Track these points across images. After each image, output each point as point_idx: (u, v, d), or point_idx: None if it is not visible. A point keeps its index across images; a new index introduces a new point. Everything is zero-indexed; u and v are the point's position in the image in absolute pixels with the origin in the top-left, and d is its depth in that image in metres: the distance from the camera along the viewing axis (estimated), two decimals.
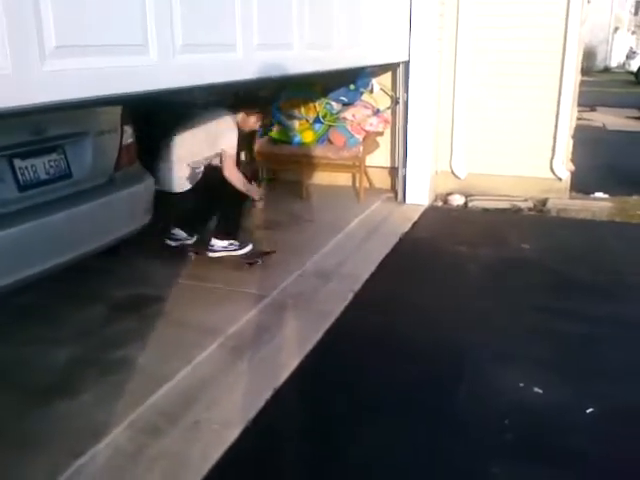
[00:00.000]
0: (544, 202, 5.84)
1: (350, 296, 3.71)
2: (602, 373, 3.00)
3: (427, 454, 2.42)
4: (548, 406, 2.73)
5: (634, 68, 22.04)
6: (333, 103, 5.98)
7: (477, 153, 6.12)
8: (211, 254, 4.28)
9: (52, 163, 3.00)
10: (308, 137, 5.85)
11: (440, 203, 6.00)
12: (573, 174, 6.12)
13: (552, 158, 5.98)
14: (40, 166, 2.92)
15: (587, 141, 8.02)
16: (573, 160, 6.14)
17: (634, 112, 12.89)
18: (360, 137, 5.83)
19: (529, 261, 4.44)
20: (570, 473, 2.33)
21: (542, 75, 5.81)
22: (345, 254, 4.41)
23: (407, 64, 5.76)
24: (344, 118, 5.90)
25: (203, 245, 4.37)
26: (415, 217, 5.43)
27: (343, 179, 6.15)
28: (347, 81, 5.97)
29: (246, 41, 3.31)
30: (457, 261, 4.43)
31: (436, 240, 4.90)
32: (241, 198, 4.23)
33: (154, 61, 2.66)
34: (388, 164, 6.21)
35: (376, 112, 6.00)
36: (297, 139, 5.86)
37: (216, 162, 4.20)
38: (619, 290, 3.94)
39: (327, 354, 3.10)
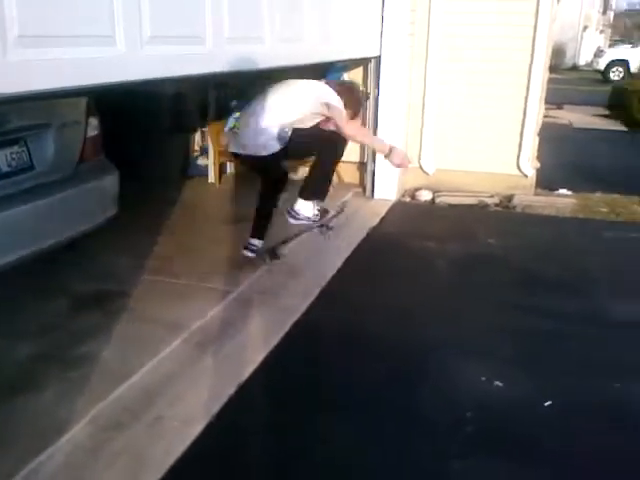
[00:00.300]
0: (510, 198, 5.93)
1: (316, 292, 3.73)
2: (563, 368, 3.07)
3: (392, 449, 2.45)
4: (508, 399, 2.79)
5: (602, 66, 22.43)
6: None
7: (446, 149, 6.19)
8: (292, 220, 4.07)
9: (14, 155, 2.94)
10: None
11: (408, 198, 6.05)
12: (539, 171, 6.23)
13: (518, 155, 6.07)
14: (1, 158, 2.87)
15: (553, 139, 8.14)
16: (539, 157, 6.25)
17: (601, 110, 13.13)
18: None
19: (495, 257, 4.51)
20: (527, 466, 2.38)
21: (511, 73, 5.89)
22: (312, 249, 4.43)
23: (378, 59, 5.78)
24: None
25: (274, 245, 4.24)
26: (383, 212, 5.46)
27: None
28: (318, 76, 5.95)
29: (216, 34, 3.29)
30: (424, 256, 4.48)
31: (403, 235, 4.94)
32: (334, 156, 3.95)
33: (122, 52, 2.62)
34: (357, 159, 6.23)
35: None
36: None
37: (328, 126, 3.91)
38: (583, 286, 4.03)
39: (292, 350, 3.11)
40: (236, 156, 4.12)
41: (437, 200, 5.94)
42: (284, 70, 5.14)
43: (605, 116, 12.60)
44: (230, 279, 3.84)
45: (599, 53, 24.04)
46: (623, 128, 11.09)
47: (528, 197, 5.99)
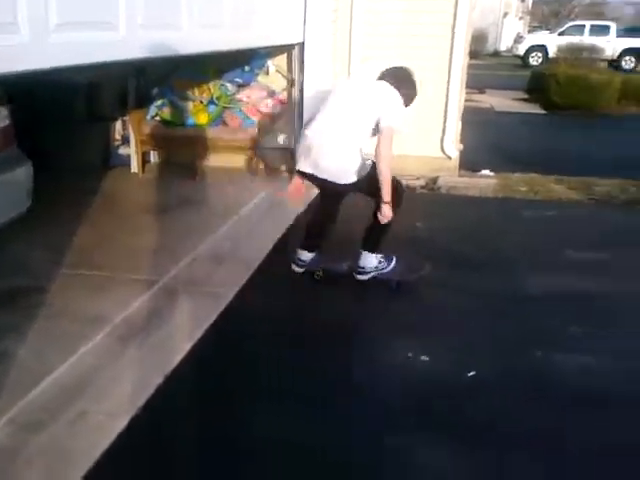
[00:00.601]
0: (435, 180, 6.07)
1: (244, 279, 3.70)
2: (487, 341, 3.19)
3: (320, 429, 2.48)
4: (433, 373, 2.88)
5: (521, 52, 23.16)
6: (228, 84, 5.90)
7: None
8: (360, 277, 3.76)
9: None
10: (202, 119, 5.75)
11: None
12: (462, 153, 6.39)
13: (442, 138, 6.21)
14: None
15: (476, 122, 8.37)
16: (462, 140, 6.41)
17: (521, 94, 13.57)
18: (255, 119, 5.79)
19: (421, 239, 4.60)
20: (453, 436, 2.45)
21: (432, 58, 6.00)
22: (240, 236, 4.40)
23: (302, 46, 5.77)
24: (239, 100, 5.84)
25: (328, 259, 3.88)
26: (311, 197, 5.47)
27: (239, 161, 6.10)
28: (242, 62, 5.90)
29: (130, 20, 3.20)
30: (351, 239, 4.51)
31: None
32: (398, 205, 3.56)
33: (26, 40, 2.52)
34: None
35: (271, 94, 5.98)
36: (190, 121, 5.74)
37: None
38: (504, 263, 4.17)
39: (220, 338, 3.08)
40: (304, 175, 3.56)
41: None
42: (206, 57, 5.09)
43: (525, 100, 13.03)
44: (155, 269, 3.75)
45: (519, 39, 24.81)
46: (542, 111, 11.51)
47: (452, 179, 6.15)
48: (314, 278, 3.81)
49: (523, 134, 9.24)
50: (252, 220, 4.79)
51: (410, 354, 3.02)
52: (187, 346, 2.95)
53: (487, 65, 20.11)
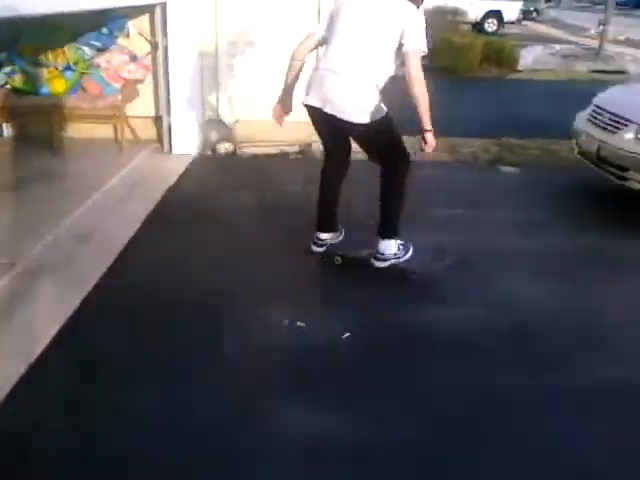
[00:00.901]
0: (310, 145, 6.03)
1: (111, 259, 3.51)
2: (360, 302, 3.25)
3: (199, 402, 2.43)
4: (309, 337, 2.91)
5: None
6: (85, 48, 5.47)
7: (245, 100, 6.06)
8: (379, 264, 3.51)
9: None
10: (58, 86, 5.31)
11: (209, 152, 5.90)
12: None
13: None
14: None
15: None
16: None
17: None
18: (118, 85, 5.45)
19: (297, 204, 4.57)
20: (327, 396, 2.49)
21: (300, 22, 5.89)
22: (105, 213, 4.15)
23: (164, 6, 5.46)
24: (98, 65, 5.45)
25: (348, 244, 3.69)
26: (183, 168, 5.28)
27: (103, 131, 5.72)
28: (98, 24, 5.49)
29: None
30: (227, 209, 4.41)
31: (205, 190, 4.82)
32: (407, 171, 3.31)
33: None
34: (152, 113, 5.91)
35: (134, 58, 5.64)
36: (45, 89, 5.29)
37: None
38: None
39: (85, 322, 2.91)
40: (311, 109, 3.23)
41: (239, 152, 5.87)
42: (55, 18, 4.67)
43: None
44: (13, 251, 3.45)
45: None
46: None
47: None
48: (334, 262, 3.61)
49: (394, 97, 9.41)
50: (117, 195, 4.51)
51: (286, 321, 3.01)
52: (50, 333, 2.76)
53: None
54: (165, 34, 5.51)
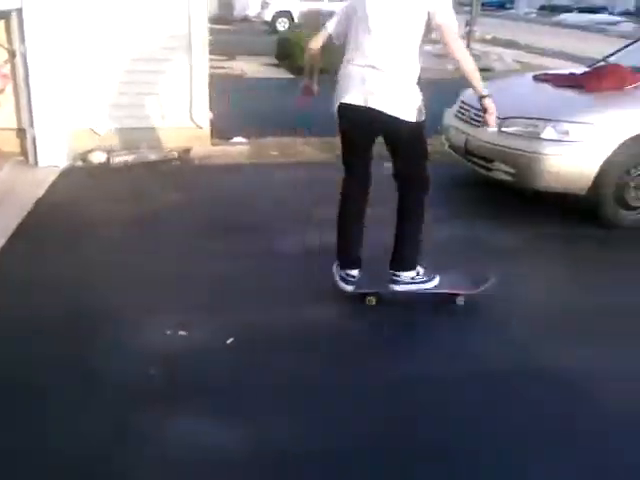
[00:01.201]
0: (188, 151, 5.92)
1: None
2: (247, 303, 3.22)
3: (71, 418, 2.29)
4: (193, 346, 2.84)
5: (268, 18, 23.62)
6: None
7: (117, 107, 5.84)
8: (397, 287, 3.18)
9: None
10: None
11: (80, 162, 5.62)
12: (214, 122, 6.31)
13: (191, 107, 6.05)
14: None
15: (227, 89, 8.34)
16: (213, 108, 6.32)
17: (271, 60, 13.84)
18: None
19: (178, 210, 4.48)
20: (211, 406, 2.43)
21: (170, 24, 5.76)
22: None
23: (20, 12, 5.15)
24: None
25: (378, 280, 3.24)
26: (50, 180, 5.00)
27: None
28: None
29: None
30: (100, 220, 4.23)
31: (76, 202, 4.59)
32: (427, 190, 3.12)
33: None
34: (15, 125, 5.55)
35: None
36: None
37: None
38: (259, 225, 4.24)
39: None
40: (349, 110, 3.07)
41: (112, 160, 5.63)
42: None
43: (275, 65, 13.32)
44: None
45: (265, 5, 25.22)
46: (291, 75, 11.85)
47: (206, 148, 6.05)
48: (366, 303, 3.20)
49: (274, 99, 9.39)
50: None
51: (169, 331, 2.91)
52: None
53: (237, 31, 20.15)
54: (23, 41, 5.20)
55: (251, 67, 12.46)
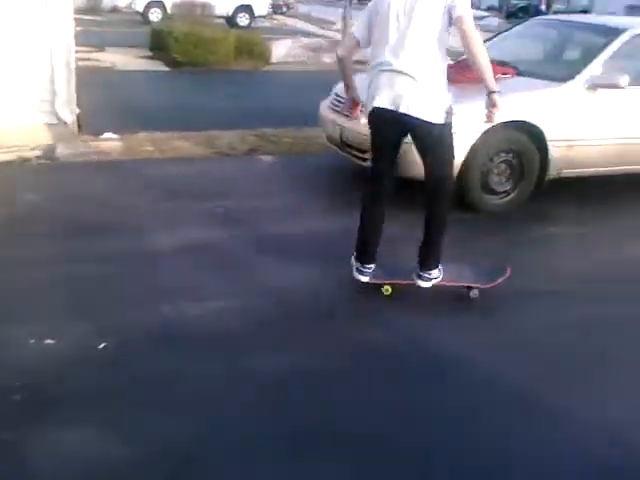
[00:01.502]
0: (53, 149, 5.57)
1: None
2: (114, 305, 3.11)
3: None
4: (62, 354, 2.69)
5: (140, 8, 22.77)
6: None
7: None
8: (423, 283, 3.29)
9: None
10: None
11: None
12: (81, 117, 5.99)
13: (54, 102, 5.71)
14: None
15: (96, 82, 7.97)
16: (80, 103, 5.99)
17: (144, 52, 13.34)
18: None
19: (38, 213, 4.21)
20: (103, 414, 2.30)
21: (24, 14, 5.38)
22: None
23: None
24: None
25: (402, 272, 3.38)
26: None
27: None
28: None
29: None
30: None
31: None
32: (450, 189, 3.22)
33: None
34: None
35: None
36: None
37: None
38: (127, 225, 4.09)
39: None
40: (379, 115, 3.11)
41: None
42: None
43: (149, 57, 12.85)
44: None
45: None
46: (165, 68, 11.50)
47: (73, 145, 5.72)
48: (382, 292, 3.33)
49: (147, 93, 9.09)
50: None
51: (33, 340, 2.74)
52: None
53: (107, 22, 19.28)
54: None
55: (122, 59, 11.95)
